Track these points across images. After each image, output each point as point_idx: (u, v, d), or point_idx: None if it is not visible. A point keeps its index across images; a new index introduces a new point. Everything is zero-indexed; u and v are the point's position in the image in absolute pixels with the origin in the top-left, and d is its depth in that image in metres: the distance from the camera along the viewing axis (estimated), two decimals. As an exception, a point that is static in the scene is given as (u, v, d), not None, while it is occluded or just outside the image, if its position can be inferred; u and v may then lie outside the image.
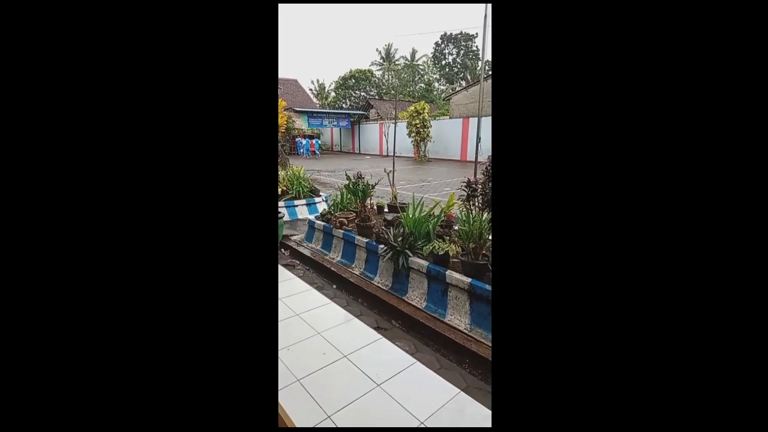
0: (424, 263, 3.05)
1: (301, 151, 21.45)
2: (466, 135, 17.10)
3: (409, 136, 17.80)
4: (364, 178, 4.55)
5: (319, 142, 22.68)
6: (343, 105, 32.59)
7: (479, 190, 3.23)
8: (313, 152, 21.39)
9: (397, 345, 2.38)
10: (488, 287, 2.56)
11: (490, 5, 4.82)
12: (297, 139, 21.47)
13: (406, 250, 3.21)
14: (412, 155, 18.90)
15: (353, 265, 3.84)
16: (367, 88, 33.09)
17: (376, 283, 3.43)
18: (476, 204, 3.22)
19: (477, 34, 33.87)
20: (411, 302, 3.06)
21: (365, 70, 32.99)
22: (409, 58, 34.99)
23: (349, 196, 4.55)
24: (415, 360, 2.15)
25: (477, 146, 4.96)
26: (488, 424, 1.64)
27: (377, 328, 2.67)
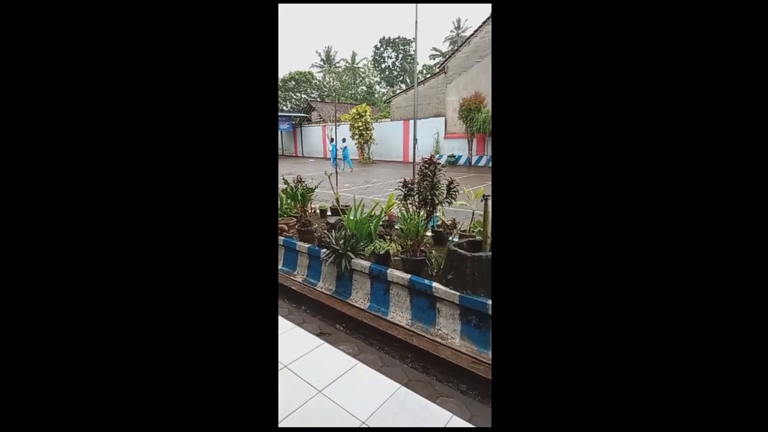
0: (367, 264, 3.08)
1: None
2: (407, 136, 17.59)
3: (353, 139, 17.82)
4: (304, 182, 4.45)
5: (349, 149, 15.66)
6: (284, 107, 31.54)
7: (415, 189, 3.36)
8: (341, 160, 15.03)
9: (340, 349, 2.36)
10: (426, 281, 2.66)
11: (419, 8, 5.00)
12: None
13: (349, 252, 3.21)
14: (357, 157, 18.94)
15: (295, 273, 3.74)
16: (308, 90, 32.44)
17: (319, 289, 3.37)
18: (413, 203, 3.34)
19: (414, 38, 35.04)
20: (355, 304, 3.07)
21: (305, 72, 32.30)
22: (350, 61, 35.06)
23: (288, 201, 4.42)
24: (357, 361, 2.16)
25: (414, 147, 5.14)
26: (427, 413, 1.71)
27: (320, 334, 2.63)
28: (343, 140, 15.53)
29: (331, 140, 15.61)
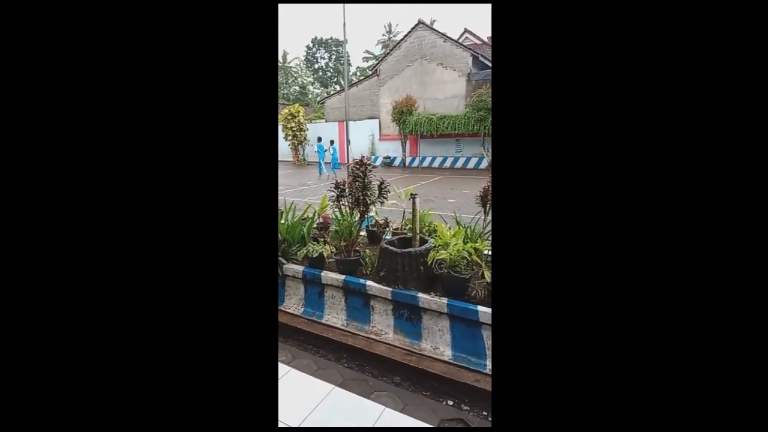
0: (300, 268, 3.01)
1: None
2: (342, 138, 17.56)
3: (286, 140, 17.22)
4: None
5: (337, 150, 13.01)
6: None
7: (347, 190, 3.37)
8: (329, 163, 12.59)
9: (272, 357, 2.27)
10: (360, 281, 2.69)
11: (350, 10, 5.05)
12: None
13: (280, 258, 3.10)
14: (291, 159, 18.34)
15: (223, 282, 3.49)
16: (236, 88, 30.41)
17: (250, 297, 3.20)
18: (345, 204, 3.35)
19: (347, 40, 35.09)
20: (288, 311, 2.97)
21: (231, 69, 30.21)
22: (281, 60, 33.78)
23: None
24: (290, 368, 2.10)
25: (347, 148, 5.17)
26: (360, 410, 1.73)
27: (251, 345, 2.50)
28: (331, 142, 13.05)
29: (319, 139, 13.12)
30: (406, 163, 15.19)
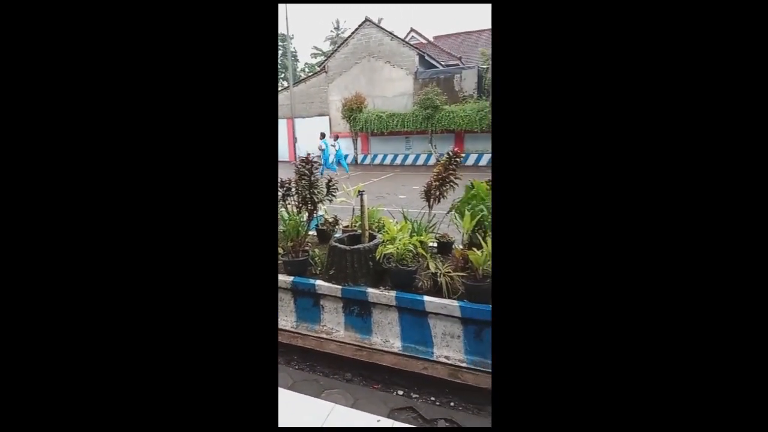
0: (245, 271, 2.88)
1: None
2: (291, 135, 17.05)
3: (231, 138, 16.25)
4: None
5: (342, 151, 11.58)
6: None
7: (293, 189, 3.29)
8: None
9: (215, 367, 2.16)
10: (310, 281, 2.65)
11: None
12: None
13: (223, 262, 2.94)
14: (238, 158, 17.39)
15: (160, 292, 3.22)
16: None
17: (191, 306, 3.00)
18: (292, 203, 3.27)
19: (294, 35, 34.01)
20: (234, 316, 2.84)
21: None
22: (221, 52, 31.77)
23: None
24: (235, 375, 2.01)
25: (294, 146, 5.03)
26: (308, 410, 1.72)
27: (191, 356, 2.35)
28: (336, 138, 11.25)
29: (322, 135, 11.22)
30: (358, 161, 15.16)
